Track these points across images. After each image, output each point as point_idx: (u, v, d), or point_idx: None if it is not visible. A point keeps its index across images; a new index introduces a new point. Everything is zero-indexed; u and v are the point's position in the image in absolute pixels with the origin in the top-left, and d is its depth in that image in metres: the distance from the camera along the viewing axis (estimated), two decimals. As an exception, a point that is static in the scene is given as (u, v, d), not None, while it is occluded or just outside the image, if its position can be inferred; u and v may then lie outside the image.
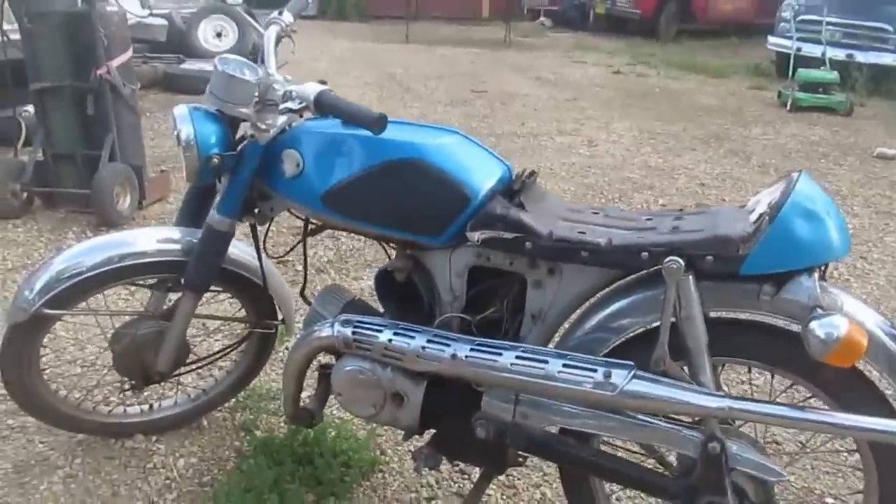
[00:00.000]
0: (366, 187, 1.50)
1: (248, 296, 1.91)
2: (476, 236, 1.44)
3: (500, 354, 1.42)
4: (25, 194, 3.76)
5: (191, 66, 7.32)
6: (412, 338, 1.50)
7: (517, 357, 1.41)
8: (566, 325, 1.56)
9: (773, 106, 7.62)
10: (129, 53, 3.79)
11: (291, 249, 1.84)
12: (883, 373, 1.30)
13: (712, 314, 1.38)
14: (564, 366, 1.38)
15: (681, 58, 10.48)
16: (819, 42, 7.61)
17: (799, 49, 7.73)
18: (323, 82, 1.49)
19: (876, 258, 3.74)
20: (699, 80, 9.02)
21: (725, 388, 1.43)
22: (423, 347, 1.48)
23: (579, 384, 1.36)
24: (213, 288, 1.83)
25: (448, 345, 1.46)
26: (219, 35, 8.08)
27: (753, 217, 1.33)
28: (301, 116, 1.56)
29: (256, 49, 8.83)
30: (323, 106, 1.41)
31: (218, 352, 2.02)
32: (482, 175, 1.48)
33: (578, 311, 1.53)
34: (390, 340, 1.51)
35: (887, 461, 1.36)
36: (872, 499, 1.42)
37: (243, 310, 1.99)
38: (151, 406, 2.08)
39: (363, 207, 1.52)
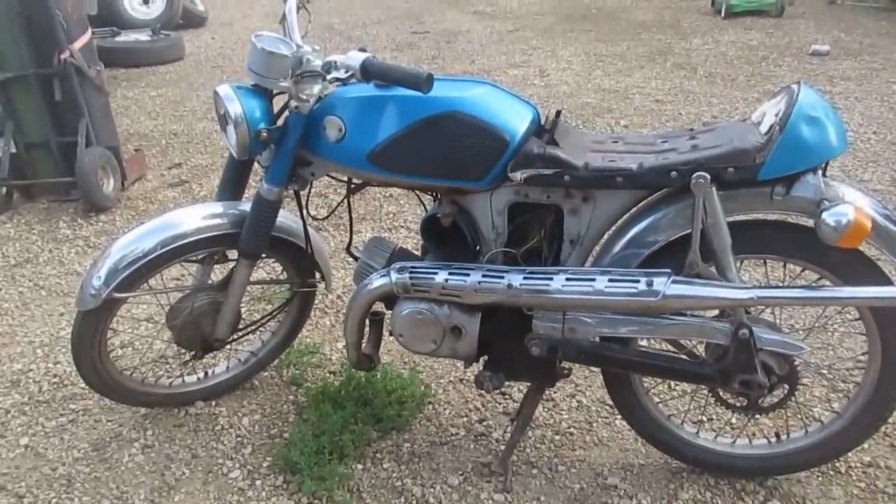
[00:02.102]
0: (410, 143, 1.63)
1: (292, 259, 2.03)
2: (518, 176, 1.59)
3: (552, 279, 1.60)
4: (3, 189, 3.73)
5: (126, 37, 7.12)
6: (467, 275, 1.66)
7: (567, 279, 1.59)
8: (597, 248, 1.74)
9: (707, 14, 7.85)
10: (89, 34, 3.73)
11: (335, 209, 1.96)
12: (883, 250, 1.52)
13: (730, 219, 1.57)
14: (610, 281, 1.57)
15: (611, -25, 10.57)
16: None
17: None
18: (363, 49, 1.60)
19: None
20: (633, -3, 9.18)
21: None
22: (479, 282, 1.64)
23: (626, 295, 1.55)
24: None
25: (503, 276, 1.63)
26: (145, 2, 7.84)
27: (764, 128, 1.51)
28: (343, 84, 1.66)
29: (187, 13, 8.54)
30: (369, 73, 1.52)
31: (269, 314, 2.14)
32: (516, 119, 1.62)
33: (609, 231, 1.71)
34: (447, 280, 1.67)
35: (888, 325, 1.60)
36: (876, 361, 1.66)
37: (284, 273, 2.11)
38: (207, 373, 2.21)
39: (408, 162, 1.65)
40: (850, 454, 1.87)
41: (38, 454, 2.03)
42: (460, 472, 1.93)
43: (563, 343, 1.71)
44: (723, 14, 7.51)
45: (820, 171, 1.50)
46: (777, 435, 1.85)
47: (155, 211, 3.69)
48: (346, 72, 1.57)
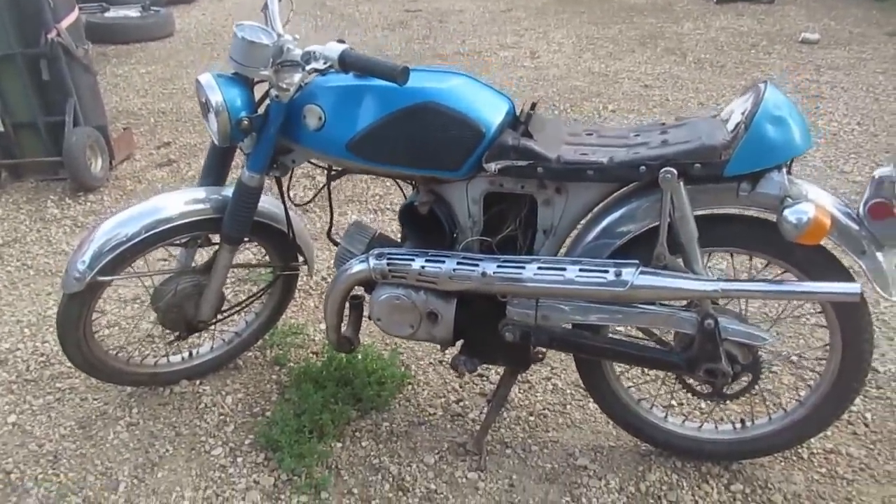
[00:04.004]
0: (388, 133, 1.66)
1: (275, 243, 2.07)
2: (493, 167, 1.64)
3: (524, 268, 1.65)
4: (-8, 169, 3.75)
5: (115, 13, 7.08)
6: (443, 262, 1.71)
7: (539, 268, 1.64)
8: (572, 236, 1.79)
9: (699, -1, 7.85)
10: (77, 12, 3.73)
11: (315, 196, 2.00)
12: (844, 246, 1.57)
13: (699, 212, 1.62)
14: (581, 270, 1.62)
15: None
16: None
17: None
18: (341, 41, 1.63)
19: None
20: (627, -21, 9.14)
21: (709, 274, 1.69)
22: (454, 270, 1.69)
23: (595, 285, 1.61)
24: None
25: (476, 264, 1.68)
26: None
27: (731, 126, 1.55)
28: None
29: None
30: (347, 64, 1.55)
31: (251, 296, 2.19)
32: (491, 111, 1.66)
33: (583, 222, 1.75)
34: (423, 267, 1.72)
35: (847, 319, 1.66)
36: (836, 353, 1.72)
37: (267, 257, 2.15)
38: (191, 353, 2.26)
39: (387, 151, 1.69)
40: (812, 441, 1.94)
41: (24, 431, 2.08)
42: (436, 451, 1.99)
43: (535, 329, 1.76)
44: (715, -1, 7.52)
45: (784, 169, 1.55)
46: (742, 421, 1.91)
47: (143, 191, 3.71)
48: (325, 63, 1.61)
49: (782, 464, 1.93)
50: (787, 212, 1.47)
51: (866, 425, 2.04)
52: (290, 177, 1.91)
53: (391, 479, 1.90)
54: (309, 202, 2.05)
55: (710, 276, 1.61)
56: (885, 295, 1.57)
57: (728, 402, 1.90)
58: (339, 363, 2.22)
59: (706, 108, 4.67)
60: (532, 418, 2.11)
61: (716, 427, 1.93)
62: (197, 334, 2.20)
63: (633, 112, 4.67)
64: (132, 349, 2.24)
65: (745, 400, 2.01)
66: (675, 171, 1.51)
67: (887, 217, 1.53)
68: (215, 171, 1.92)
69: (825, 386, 1.76)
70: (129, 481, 1.90)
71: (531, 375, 2.27)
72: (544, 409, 2.15)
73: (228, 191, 1.90)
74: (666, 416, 1.94)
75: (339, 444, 2.01)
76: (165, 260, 2.77)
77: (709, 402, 1.96)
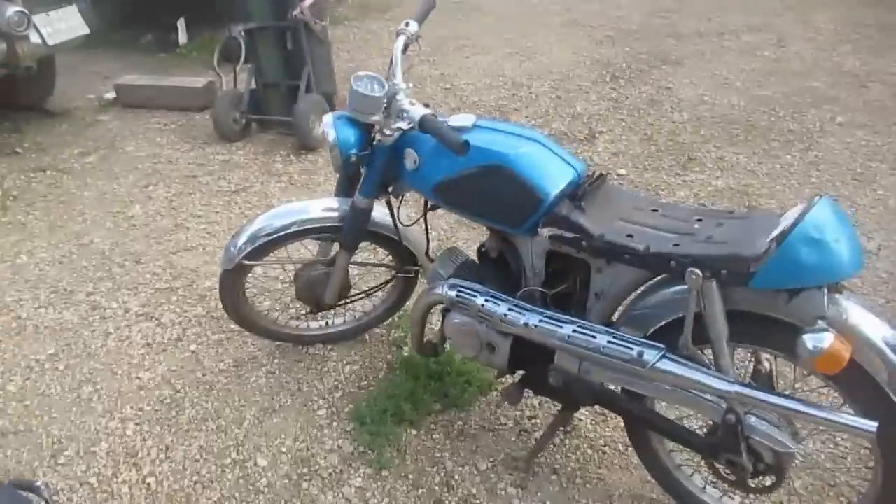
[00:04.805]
0: (464, 185, 1.88)
1: (392, 248, 2.40)
2: (545, 232, 1.78)
3: (561, 327, 1.79)
4: (244, 120, 4.54)
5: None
6: (498, 305, 1.91)
7: (574, 331, 1.78)
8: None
9: None
10: (318, -6, 4.30)
11: (416, 221, 2.27)
12: (880, 380, 1.49)
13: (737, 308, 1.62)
14: (609, 342, 1.73)
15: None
16: None
17: None
18: (427, 105, 1.86)
19: None
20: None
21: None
22: (505, 314, 1.88)
23: (619, 358, 1.71)
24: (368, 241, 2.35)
25: (523, 314, 1.86)
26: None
27: (774, 234, 1.53)
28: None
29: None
30: (424, 128, 1.79)
31: (371, 289, 2.56)
32: (553, 181, 1.78)
33: (637, 292, 1.83)
34: (483, 305, 1.93)
35: (891, 452, 1.57)
36: (877, 480, 1.64)
37: (391, 257, 2.50)
38: (327, 323, 2.71)
39: (463, 200, 1.91)
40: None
41: (198, 360, 2.69)
42: (491, 459, 2.23)
43: (576, 380, 1.90)
44: None
45: (826, 290, 1.49)
46: (778, 511, 1.89)
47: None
48: (409, 123, 1.85)
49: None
50: (805, 336, 1.44)
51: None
52: (401, 200, 2.20)
53: (443, 475, 2.19)
54: (413, 224, 2.32)
55: (730, 377, 1.63)
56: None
57: (751, 494, 1.88)
58: (438, 358, 2.52)
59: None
60: (590, 451, 2.25)
61: (752, 510, 1.93)
62: (331, 312, 2.64)
63: (863, 129, 4.20)
64: (279, 314, 2.75)
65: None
66: (700, 273, 1.55)
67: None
68: (345, 187, 2.28)
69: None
70: (251, 420, 2.42)
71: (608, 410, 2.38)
72: (606, 445, 2.27)
73: (355, 203, 2.25)
74: (704, 487, 1.98)
75: (414, 432, 2.33)
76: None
77: (732, 490, 1.94)
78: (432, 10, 2.21)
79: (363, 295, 2.56)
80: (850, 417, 1.49)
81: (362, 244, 2.37)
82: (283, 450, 2.30)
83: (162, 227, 3.62)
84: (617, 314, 1.89)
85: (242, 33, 4.41)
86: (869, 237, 3.21)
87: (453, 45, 6.21)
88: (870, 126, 4.24)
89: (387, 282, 2.54)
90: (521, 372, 2.09)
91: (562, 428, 2.30)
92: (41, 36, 4.50)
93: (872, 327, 1.51)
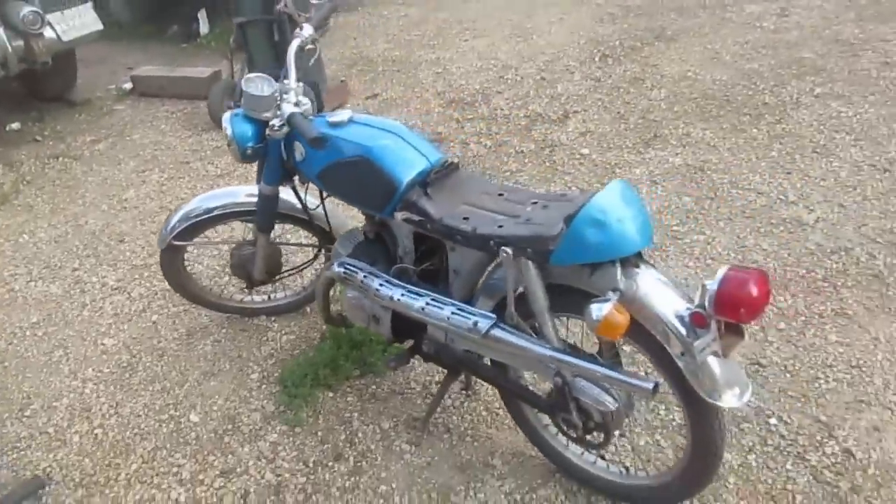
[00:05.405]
0: (338, 173, 2.09)
1: (311, 228, 2.64)
2: (399, 216, 1.99)
3: (416, 300, 2.00)
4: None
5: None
6: (373, 281, 2.12)
7: (427, 303, 1.98)
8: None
9: None
10: (301, -14, 4.53)
11: (318, 206, 2.49)
12: (666, 345, 1.64)
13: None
14: (452, 313, 1.92)
15: None
16: None
17: None
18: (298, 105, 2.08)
19: None
20: None
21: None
22: (377, 289, 2.10)
23: (461, 327, 1.91)
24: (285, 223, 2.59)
25: (390, 288, 2.07)
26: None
27: (566, 216, 1.68)
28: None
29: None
30: (290, 124, 2.01)
31: (295, 267, 2.81)
32: (406, 170, 1.97)
33: (490, 268, 2.01)
34: (362, 281, 2.15)
35: (692, 402, 1.72)
36: (688, 430, 1.80)
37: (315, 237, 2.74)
38: (270, 296, 2.98)
39: (338, 186, 2.13)
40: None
41: (156, 329, 3.01)
42: (395, 419, 2.46)
43: (444, 348, 2.11)
44: None
45: (618, 263, 1.65)
46: (626, 468, 2.06)
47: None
48: (282, 120, 2.08)
49: (667, 517, 2.05)
50: (591, 304, 1.60)
51: None
52: (307, 186, 2.43)
53: (348, 433, 2.43)
54: (315, 209, 2.52)
55: (554, 344, 1.81)
56: (708, 398, 1.63)
57: (589, 449, 2.04)
58: (362, 329, 2.75)
59: None
60: (485, 413, 2.45)
61: (607, 466, 2.10)
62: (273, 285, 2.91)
63: (840, 100, 4.18)
64: (222, 289, 3.04)
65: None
66: (510, 251, 1.72)
67: (702, 327, 1.58)
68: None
69: (686, 457, 1.85)
70: (192, 382, 2.71)
71: (508, 375, 2.57)
72: (500, 407, 2.45)
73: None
74: (567, 445, 2.15)
75: (330, 394, 2.58)
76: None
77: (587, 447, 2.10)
78: (333, 13, 2.41)
79: (293, 272, 2.82)
80: (630, 376, 1.66)
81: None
82: (215, 408, 2.59)
83: (149, 209, 3.95)
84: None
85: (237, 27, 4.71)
86: (810, 209, 3.26)
87: (456, 29, 6.36)
88: (846, 97, 4.21)
89: (312, 259, 2.78)
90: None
91: (465, 391, 2.51)
92: (56, 33, 4.89)
93: (662, 299, 1.66)
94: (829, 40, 5.02)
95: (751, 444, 2.22)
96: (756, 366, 2.49)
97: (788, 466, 2.14)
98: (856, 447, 2.17)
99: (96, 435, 2.52)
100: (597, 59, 5.29)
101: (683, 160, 3.82)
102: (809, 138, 3.85)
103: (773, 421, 2.29)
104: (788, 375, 2.44)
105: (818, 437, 2.22)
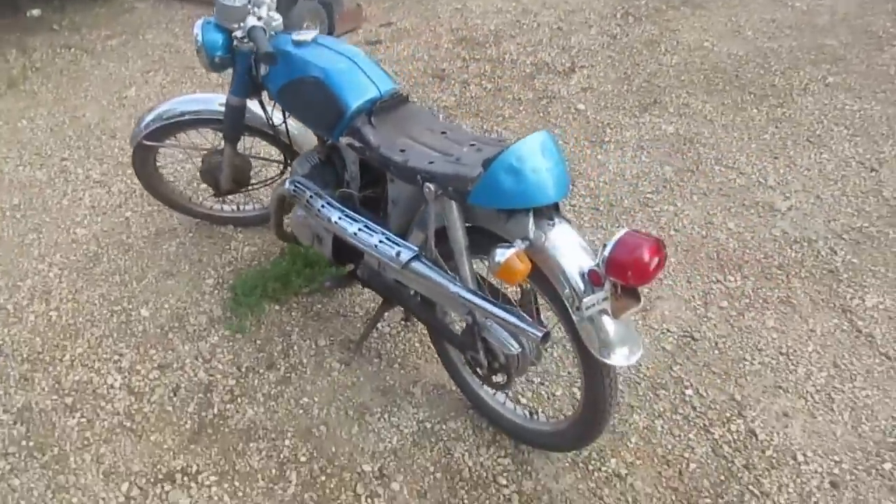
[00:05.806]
0: (294, 91, 2.14)
1: (278, 144, 2.69)
2: (343, 141, 2.03)
3: (349, 226, 2.06)
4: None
5: None
6: (317, 201, 2.19)
7: (358, 230, 2.04)
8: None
9: None
10: None
11: (281, 123, 2.53)
12: (559, 290, 1.70)
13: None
14: (380, 241, 1.99)
15: None
16: None
17: None
18: (260, 18, 2.11)
19: None
20: None
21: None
22: (318, 210, 2.17)
23: (385, 256, 1.97)
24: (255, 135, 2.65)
25: (329, 210, 2.14)
26: None
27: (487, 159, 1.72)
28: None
29: None
30: (250, 37, 2.05)
31: (263, 181, 2.88)
32: (354, 96, 2.01)
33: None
34: (308, 200, 2.22)
35: (585, 354, 1.78)
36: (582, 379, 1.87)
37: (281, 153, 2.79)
38: (239, 207, 3.06)
39: (295, 105, 2.18)
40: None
41: (128, 225, 3.11)
42: (332, 338, 2.56)
43: (376, 275, 2.18)
44: None
45: (531, 212, 1.69)
46: (531, 412, 2.15)
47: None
48: (242, 34, 2.11)
49: (561, 462, 2.14)
50: (496, 250, 1.65)
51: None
52: (274, 103, 2.47)
53: (285, 345, 2.54)
54: (279, 125, 2.56)
55: (468, 284, 1.87)
56: (597, 355, 1.69)
57: (493, 388, 2.11)
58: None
59: None
60: (418, 345, 2.54)
61: (514, 408, 2.19)
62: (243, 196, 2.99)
63: (849, 92, 4.09)
64: (195, 193, 3.12)
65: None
66: (432, 187, 1.77)
67: (598, 285, 1.63)
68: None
69: (580, 407, 1.93)
70: (150, 279, 2.83)
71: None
72: (432, 341, 2.55)
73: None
74: (482, 384, 2.24)
75: (277, 307, 2.68)
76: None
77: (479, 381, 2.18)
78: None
79: (259, 185, 2.89)
80: (523, 321, 1.72)
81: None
82: (166, 306, 2.70)
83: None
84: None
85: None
86: (786, 196, 3.25)
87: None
88: (856, 90, 4.12)
89: (279, 175, 2.84)
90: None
91: (404, 321, 2.60)
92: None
93: (567, 253, 1.70)
94: (857, 30, 4.87)
95: (661, 409, 2.29)
96: (688, 338, 2.54)
97: (691, 436, 2.21)
98: (761, 429, 2.23)
99: (51, 317, 2.66)
100: (618, 15, 5.19)
101: (676, 129, 3.79)
102: (807, 126, 3.79)
103: (689, 392, 2.35)
104: (717, 352, 2.49)
105: (727, 414, 2.28)
